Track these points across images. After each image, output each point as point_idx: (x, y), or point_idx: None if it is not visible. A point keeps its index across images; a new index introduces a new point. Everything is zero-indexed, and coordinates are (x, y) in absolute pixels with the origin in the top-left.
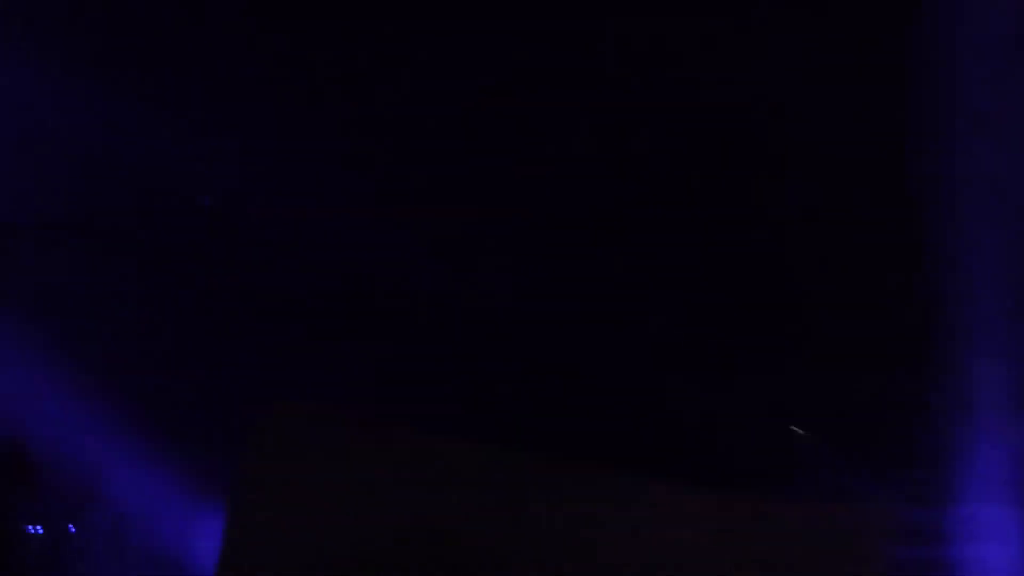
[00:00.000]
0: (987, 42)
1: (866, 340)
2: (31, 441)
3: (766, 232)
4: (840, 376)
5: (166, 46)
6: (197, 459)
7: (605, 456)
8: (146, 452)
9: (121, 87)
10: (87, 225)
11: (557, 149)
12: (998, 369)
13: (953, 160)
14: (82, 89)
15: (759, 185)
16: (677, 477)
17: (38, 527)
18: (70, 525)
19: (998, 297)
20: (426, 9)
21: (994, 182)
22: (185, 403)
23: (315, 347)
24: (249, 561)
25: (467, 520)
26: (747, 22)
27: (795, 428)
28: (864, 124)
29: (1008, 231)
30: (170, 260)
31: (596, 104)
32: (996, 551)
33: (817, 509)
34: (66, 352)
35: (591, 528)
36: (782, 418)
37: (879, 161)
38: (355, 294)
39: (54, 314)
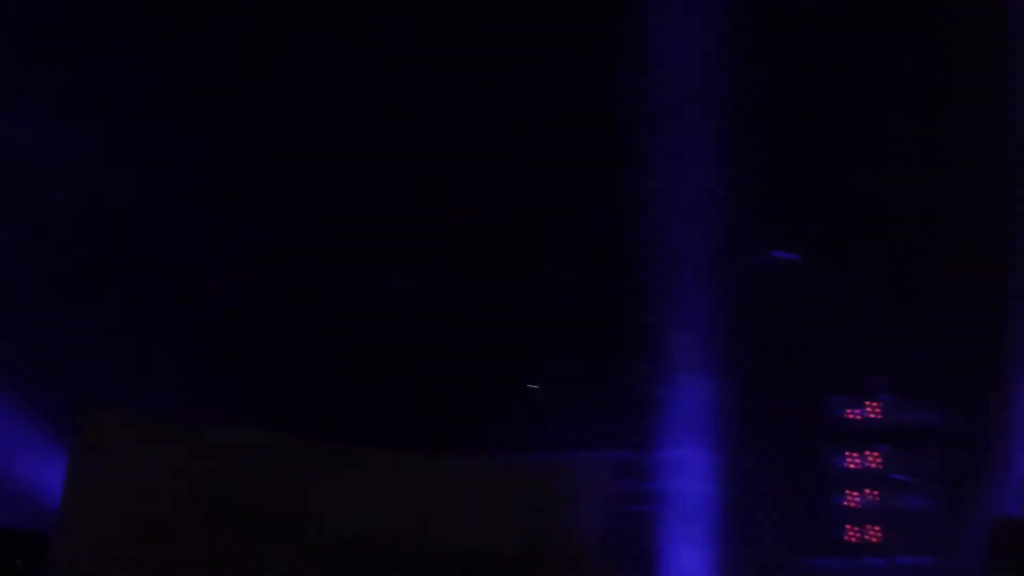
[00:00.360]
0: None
1: (590, 321)
2: None
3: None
4: (570, 350)
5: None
6: (45, 404)
7: (385, 438)
8: None
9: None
10: None
11: None
12: (690, 339)
13: (658, 183)
14: None
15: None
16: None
17: None
18: None
19: (691, 284)
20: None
21: (664, 197)
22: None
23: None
24: (78, 546)
25: (262, 495)
26: None
27: (531, 386)
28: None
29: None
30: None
31: None
32: (692, 486)
33: (541, 460)
34: None
35: (366, 501)
36: (516, 383)
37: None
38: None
39: None
